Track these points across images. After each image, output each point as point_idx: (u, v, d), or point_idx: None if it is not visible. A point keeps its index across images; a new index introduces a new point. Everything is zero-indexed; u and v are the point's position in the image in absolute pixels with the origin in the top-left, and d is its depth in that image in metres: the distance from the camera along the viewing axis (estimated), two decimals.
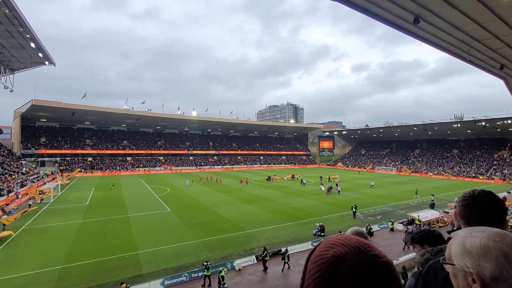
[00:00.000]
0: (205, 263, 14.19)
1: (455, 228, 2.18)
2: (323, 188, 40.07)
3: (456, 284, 0.91)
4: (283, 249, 16.59)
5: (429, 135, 78.09)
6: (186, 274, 14.16)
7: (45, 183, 43.07)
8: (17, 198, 32.15)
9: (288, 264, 15.49)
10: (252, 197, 34.69)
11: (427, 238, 2.18)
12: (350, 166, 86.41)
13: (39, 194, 32.03)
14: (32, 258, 16.17)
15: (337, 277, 0.67)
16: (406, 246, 18.60)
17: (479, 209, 1.46)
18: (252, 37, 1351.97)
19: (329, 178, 52.95)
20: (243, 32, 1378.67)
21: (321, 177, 51.59)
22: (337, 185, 40.99)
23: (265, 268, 15.33)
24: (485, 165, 61.50)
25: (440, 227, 22.40)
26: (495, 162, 60.95)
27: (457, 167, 64.43)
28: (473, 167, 62.55)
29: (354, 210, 25.56)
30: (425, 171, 67.81)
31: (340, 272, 0.68)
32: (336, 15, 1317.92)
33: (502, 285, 0.79)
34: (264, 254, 15.56)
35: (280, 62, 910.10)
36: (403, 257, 15.66)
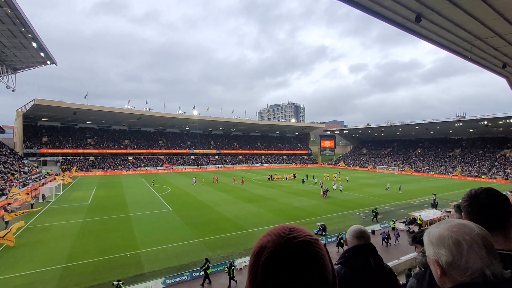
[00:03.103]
0: (115, 283, 12.10)
1: None
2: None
3: (432, 271, 1.07)
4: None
5: (431, 134, 77.84)
6: (188, 273, 14.19)
7: (42, 184, 40.43)
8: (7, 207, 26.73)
9: (234, 280, 13.79)
10: (253, 197, 34.69)
11: None
12: (351, 166, 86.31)
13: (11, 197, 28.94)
14: (34, 257, 16.24)
15: (258, 264, 0.73)
16: (384, 242, 18.58)
17: (480, 207, 1.45)
18: (249, 39, 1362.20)
19: (313, 177, 53.12)
20: (241, 34, 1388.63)
21: (307, 176, 51.50)
22: (334, 183, 41.05)
23: (208, 281, 13.72)
24: (488, 164, 61.24)
25: None
26: (496, 163, 60.64)
27: (459, 166, 64.20)
28: (475, 166, 62.32)
29: (375, 213, 24.59)
30: (427, 170, 67.63)
31: (260, 259, 0.73)
32: (331, 18, 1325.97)
33: (456, 271, 0.93)
34: (206, 266, 13.75)
35: (278, 63, 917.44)
36: (405, 256, 15.62)
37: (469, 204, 1.49)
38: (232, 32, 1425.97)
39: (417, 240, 2.23)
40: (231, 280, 13.77)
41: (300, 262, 0.72)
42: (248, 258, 15.98)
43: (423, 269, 1.63)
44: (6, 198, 29.44)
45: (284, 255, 0.72)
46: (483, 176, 57.57)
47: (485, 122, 57.64)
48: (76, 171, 58.60)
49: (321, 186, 39.72)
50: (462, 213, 1.57)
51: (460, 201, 1.61)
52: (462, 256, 0.92)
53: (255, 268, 0.73)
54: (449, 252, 0.94)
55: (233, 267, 13.86)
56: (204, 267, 13.76)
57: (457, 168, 63.52)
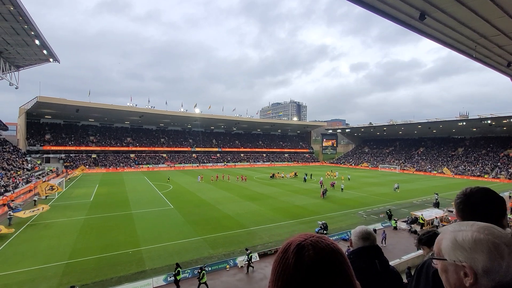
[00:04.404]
0: None
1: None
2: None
3: (446, 280, 0.93)
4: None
5: (434, 133, 77.42)
6: (189, 271, 14.23)
7: (44, 182, 39.29)
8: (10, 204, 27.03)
9: (206, 285, 12.85)
10: (254, 195, 34.73)
11: (435, 238, 2.12)
12: (353, 164, 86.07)
13: (48, 190, 30.64)
14: (37, 253, 16.36)
15: (288, 254, 0.81)
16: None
17: (473, 206, 1.46)
18: (250, 38, 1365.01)
19: (311, 175, 52.83)
20: (241, 33, 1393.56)
21: (306, 174, 51.52)
22: (333, 184, 40.88)
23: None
24: (491, 164, 60.87)
25: (444, 226, 22.25)
26: (499, 163, 60.19)
27: (462, 166, 63.86)
28: (478, 166, 61.94)
29: (389, 214, 24.23)
30: (430, 169, 67.33)
31: (289, 249, 0.81)
32: (331, 18, 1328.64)
33: (493, 276, 0.82)
34: (176, 272, 12.94)
35: (278, 62, 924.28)
36: (406, 255, 15.57)
37: (463, 202, 1.50)
38: (233, 31, 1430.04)
39: (423, 241, 2.19)
40: (201, 285, 12.80)
41: (327, 251, 0.81)
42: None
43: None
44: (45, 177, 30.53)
45: (313, 244, 0.81)
46: (486, 176, 57.24)
47: (489, 122, 57.18)
48: (84, 169, 58.63)
49: (321, 185, 39.59)
50: (455, 211, 1.57)
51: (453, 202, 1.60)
52: (504, 261, 0.83)
53: (285, 258, 0.81)
54: (487, 257, 0.84)
55: (203, 271, 12.94)
56: (174, 273, 12.94)
57: (455, 167, 63.22)
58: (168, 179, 47.72)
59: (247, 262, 14.96)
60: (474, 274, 0.84)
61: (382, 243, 18.50)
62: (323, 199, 32.40)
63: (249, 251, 15.22)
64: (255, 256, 16.29)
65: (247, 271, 14.81)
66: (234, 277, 14.41)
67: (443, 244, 0.95)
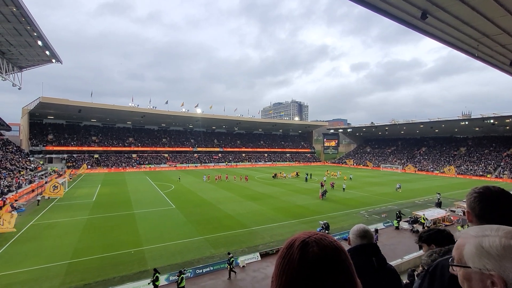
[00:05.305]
0: None
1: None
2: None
3: None
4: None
5: (436, 133, 77.13)
6: (191, 270, 14.26)
7: (46, 183, 39.04)
8: (4, 204, 25.87)
9: None
10: (256, 195, 34.74)
11: (435, 237, 2.10)
12: (355, 164, 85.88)
13: (52, 190, 30.76)
14: (40, 253, 16.45)
15: (293, 250, 0.82)
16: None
17: (493, 204, 1.39)
18: (250, 38, 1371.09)
19: (311, 175, 52.68)
20: (242, 34, 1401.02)
21: (307, 174, 51.38)
22: (332, 185, 40.78)
23: None
24: (493, 164, 60.54)
25: (446, 225, 22.16)
26: (501, 163, 59.82)
27: (465, 166, 63.55)
28: (480, 165, 61.62)
29: (398, 216, 23.78)
30: (432, 169, 67.07)
31: (294, 245, 0.83)
32: (331, 18, 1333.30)
33: None
34: (155, 278, 12.43)
35: (278, 62, 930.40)
36: (408, 255, 15.53)
37: (483, 199, 1.42)
38: (233, 31, 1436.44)
39: (423, 239, 2.18)
40: None
41: (331, 249, 0.83)
42: (251, 256, 16.12)
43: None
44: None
45: (317, 241, 0.83)
46: (488, 176, 56.93)
47: (491, 121, 56.87)
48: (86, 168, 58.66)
49: (322, 186, 39.26)
50: (468, 212, 1.50)
51: (466, 195, 1.52)
52: None
53: (290, 254, 0.82)
54: None
55: (182, 275, 12.51)
56: (152, 279, 12.52)
57: (457, 166, 62.92)
58: (179, 178, 48.40)
59: (228, 267, 14.23)
60: (504, 284, 0.75)
61: None
62: (329, 195, 32.26)
63: (231, 255, 14.55)
64: (256, 257, 16.30)
65: (229, 277, 14.07)
66: (236, 276, 14.43)
67: (466, 250, 0.85)
